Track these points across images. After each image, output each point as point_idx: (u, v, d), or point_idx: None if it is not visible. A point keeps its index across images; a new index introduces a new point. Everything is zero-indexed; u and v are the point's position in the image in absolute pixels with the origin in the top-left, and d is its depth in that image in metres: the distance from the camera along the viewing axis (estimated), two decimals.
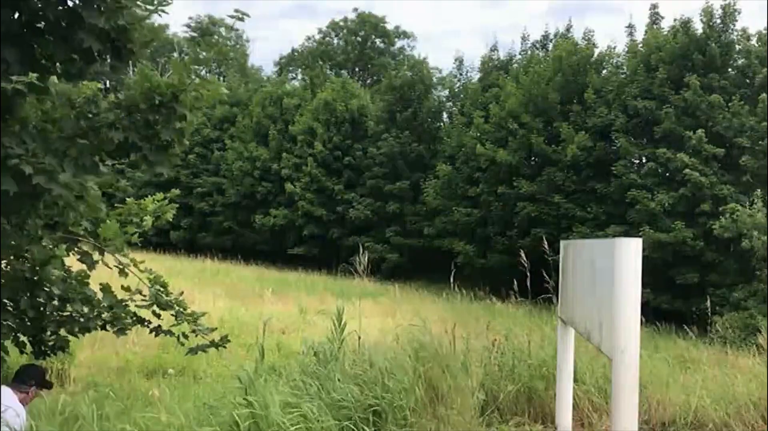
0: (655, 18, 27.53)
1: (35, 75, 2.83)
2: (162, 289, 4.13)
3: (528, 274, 7.07)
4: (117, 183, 3.85)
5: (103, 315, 4.12)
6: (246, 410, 4.53)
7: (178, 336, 4.20)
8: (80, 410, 5.05)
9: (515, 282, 7.60)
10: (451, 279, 8.57)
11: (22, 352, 4.29)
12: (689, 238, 22.06)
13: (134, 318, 4.22)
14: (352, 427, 4.71)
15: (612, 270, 3.79)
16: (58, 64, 3.02)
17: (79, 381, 8.62)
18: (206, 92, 3.27)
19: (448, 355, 5.75)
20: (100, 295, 4.16)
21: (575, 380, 6.04)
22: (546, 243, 7.56)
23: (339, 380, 5.15)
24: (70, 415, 5.07)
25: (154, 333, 4.28)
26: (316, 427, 4.51)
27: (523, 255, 7.22)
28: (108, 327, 4.14)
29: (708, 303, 14.99)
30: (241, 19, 3.26)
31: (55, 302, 4.06)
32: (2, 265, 3.85)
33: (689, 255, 22.34)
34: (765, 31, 24.04)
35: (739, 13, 24.57)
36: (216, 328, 4.32)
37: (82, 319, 4.08)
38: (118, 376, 9.06)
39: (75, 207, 3.31)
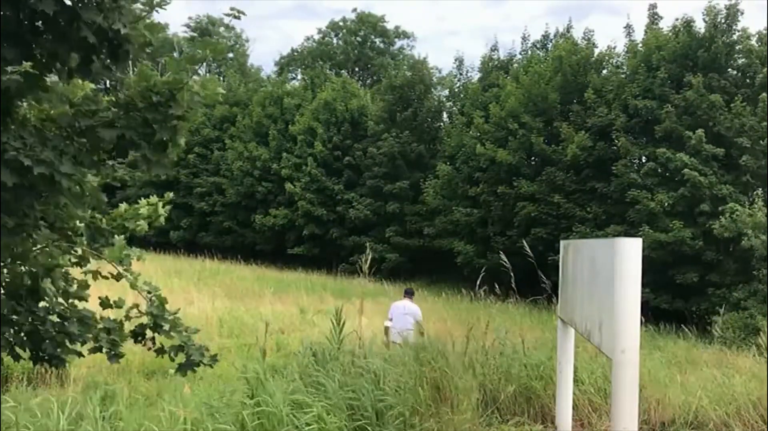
0: (654, 18, 27.51)
1: (29, 63, 2.82)
2: (160, 306, 4.13)
3: (512, 275, 7.09)
4: (114, 173, 3.82)
5: (99, 337, 4.13)
6: (255, 409, 4.54)
7: (170, 352, 4.22)
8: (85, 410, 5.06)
9: (512, 282, 7.60)
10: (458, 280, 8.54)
11: (16, 360, 4.28)
12: (689, 238, 22.05)
13: (131, 332, 4.23)
14: (364, 428, 4.71)
15: (612, 270, 3.79)
16: (57, 62, 3.02)
17: (79, 380, 8.62)
18: (204, 90, 3.26)
19: (449, 356, 5.76)
20: (98, 312, 4.17)
21: (575, 380, 6.05)
22: (526, 245, 7.56)
23: (338, 381, 5.15)
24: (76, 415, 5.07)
25: (149, 347, 4.30)
26: (330, 428, 4.52)
27: (503, 255, 7.24)
28: (104, 350, 4.15)
29: (722, 313, 14.92)
30: (238, 17, 3.24)
31: (54, 318, 4.06)
32: (3, 273, 3.83)
33: (689, 255, 22.32)
34: (765, 31, 24.04)
35: (742, 13, 24.59)
36: (208, 348, 4.35)
37: (78, 341, 4.09)
38: (118, 376, 9.06)
39: (75, 202, 3.30)
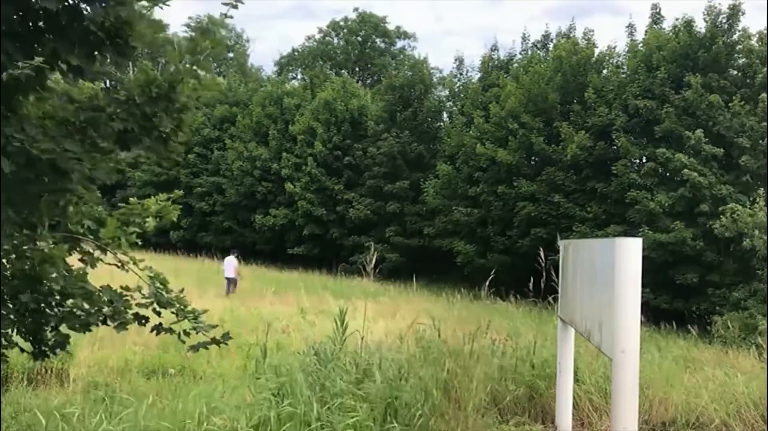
0: (656, 18, 27.50)
1: (40, 59, 2.82)
2: (162, 287, 4.10)
3: (544, 274, 7.00)
4: (117, 156, 3.80)
5: (103, 310, 4.09)
6: (287, 409, 4.57)
7: (179, 333, 4.16)
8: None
9: (529, 282, 7.56)
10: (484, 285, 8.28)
11: (22, 350, 4.27)
12: (689, 238, 22.05)
13: (134, 315, 4.20)
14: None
15: (612, 270, 3.79)
16: (59, 61, 3.02)
17: (79, 380, 8.61)
18: (204, 81, 3.26)
19: (460, 356, 5.79)
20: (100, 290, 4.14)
21: (575, 380, 6.05)
22: (559, 239, 7.46)
23: (341, 379, 5.17)
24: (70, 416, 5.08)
25: (155, 332, 4.25)
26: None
27: (542, 252, 7.08)
28: (109, 321, 4.11)
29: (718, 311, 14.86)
30: (235, 7, 3.24)
31: (56, 297, 4.03)
32: (3, 262, 3.83)
33: (689, 255, 22.31)
34: (765, 31, 24.03)
35: (743, 13, 24.58)
36: (217, 325, 4.29)
37: (82, 315, 4.05)
38: (118, 376, 9.06)
39: (79, 195, 3.30)
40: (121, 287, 4.17)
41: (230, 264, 21.78)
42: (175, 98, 3.13)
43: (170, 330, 4.17)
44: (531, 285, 7.57)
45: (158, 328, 4.18)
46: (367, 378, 5.26)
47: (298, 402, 4.67)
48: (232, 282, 21.18)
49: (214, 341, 4.09)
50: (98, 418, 4.86)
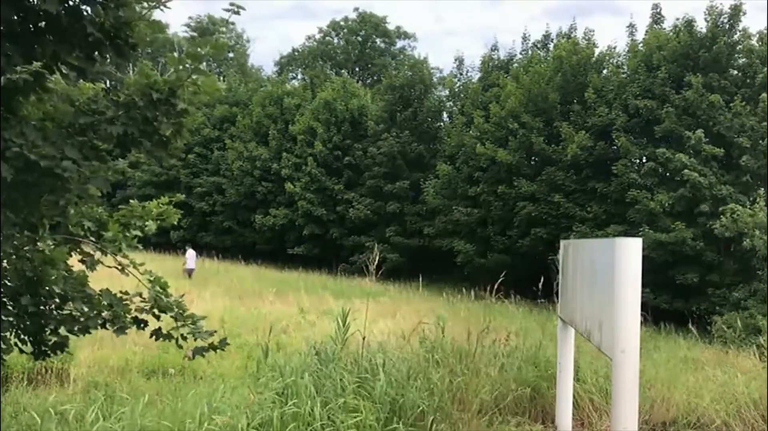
0: (656, 18, 27.47)
1: (39, 64, 2.82)
2: (162, 291, 4.11)
3: (559, 276, 6.97)
4: (116, 165, 3.80)
5: (103, 314, 4.10)
6: (291, 409, 4.57)
7: (177, 338, 4.18)
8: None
9: (539, 282, 7.54)
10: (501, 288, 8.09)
11: (21, 352, 4.27)
12: (689, 238, 22.04)
13: (134, 319, 4.20)
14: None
15: (612, 270, 3.79)
16: (59, 62, 3.02)
17: (79, 380, 8.62)
18: (204, 87, 3.26)
19: (466, 357, 5.79)
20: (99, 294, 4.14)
21: (576, 379, 6.06)
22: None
23: (344, 379, 5.17)
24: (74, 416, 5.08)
25: (155, 337, 4.25)
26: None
27: (557, 254, 7.05)
28: (108, 325, 4.11)
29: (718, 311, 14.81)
30: (237, 13, 3.24)
31: (56, 300, 4.04)
32: (4, 263, 3.83)
33: (689, 255, 22.30)
34: (765, 31, 24.02)
35: (744, 14, 24.56)
36: (215, 331, 4.30)
37: (82, 318, 4.05)
38: (118, 376, 9.06)
39: (79, 195, 3.30)
40: (121, 291, 4.18)
41: (193, 257, 27.55)
42: (175, 102, 3.13)
43: (169, 336, 4.18)
44: (541, 284, 7.56)
45: (158, 333, 4.19)
46: (371, 378, 5.26)
47: (302, 402, 4.68)
48: (192, 271, 26.57)
49: (211, 347, 4.11)
50: (94, 416, 4.85)
